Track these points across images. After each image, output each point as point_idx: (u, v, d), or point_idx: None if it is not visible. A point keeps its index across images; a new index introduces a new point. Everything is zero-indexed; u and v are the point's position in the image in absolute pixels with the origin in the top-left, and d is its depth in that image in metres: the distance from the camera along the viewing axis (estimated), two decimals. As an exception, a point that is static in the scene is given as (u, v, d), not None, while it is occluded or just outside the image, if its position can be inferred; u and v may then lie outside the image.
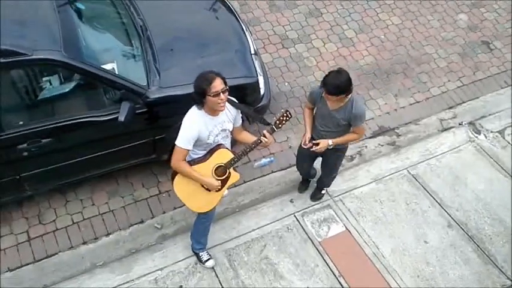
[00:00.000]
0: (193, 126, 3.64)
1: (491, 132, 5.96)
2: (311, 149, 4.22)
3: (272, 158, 5.35)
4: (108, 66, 4.29)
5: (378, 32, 6.73)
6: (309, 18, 6.73)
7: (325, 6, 6.90)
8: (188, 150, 3.71)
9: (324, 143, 4.16)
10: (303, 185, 5.19)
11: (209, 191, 3.96)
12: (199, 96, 3.55)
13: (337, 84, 3.79)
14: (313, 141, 4.22)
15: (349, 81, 3.84)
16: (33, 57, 3.80)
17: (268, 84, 5.20)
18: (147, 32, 4.69)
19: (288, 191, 5.21)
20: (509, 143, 5.85)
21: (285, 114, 3.72)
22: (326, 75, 3.88)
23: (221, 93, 3.49)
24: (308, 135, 4.27)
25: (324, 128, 4.21)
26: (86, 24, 4.56)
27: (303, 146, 4.26)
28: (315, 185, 5.10)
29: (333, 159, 4.56)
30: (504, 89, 6.37)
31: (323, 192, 5.12)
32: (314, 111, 4.29)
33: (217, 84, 3.48)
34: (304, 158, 4.70)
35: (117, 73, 4.27)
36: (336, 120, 4.10)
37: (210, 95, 3.49)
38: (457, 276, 4.77)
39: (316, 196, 5.11)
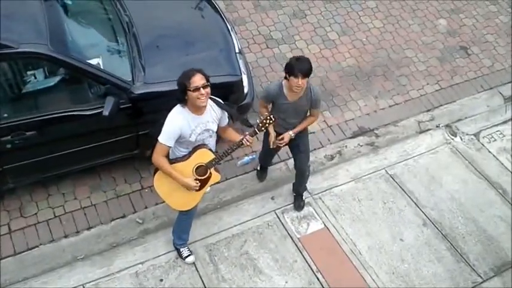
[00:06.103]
0: (176, 123, 3.69)
1: (467, 134, 6.13)
2: (280, 145, 4.50)
3: (254, 156, 5.37)
4: (93, 61, 4.32)
5: (360, 35, 6.86)
6: (293, 20, 6.83)
7: (309, 8, 7.01)
8: (169, 146, 3.76)
9: (287, 136, 4.45)
10: (263, 173, 5.32)
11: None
12: (181, 93, 3.62)
13: (309, 66, 4.08)
14: (277, 138, 4.47)
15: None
16: (20, 50, 3.83)
17: (252, 83, 5.28)
18: (133, 28, 4.73)
19: (269, 188, 5.30)
20: (483, 145, 6.04)
21: (268, 118, 3.81)
22: (292, 65, 4.06)
23: (201, 88, 3.56)
24: (274, 134, 4.46)
25: (284, 120, 4.42)
26: (73, 19, 4.59)
27: (271, 147, 4.51)
28: (294, 194, 5.16)
29: (304, 140, 4.71)
30: (480, 93, 6.55)
31: (304, 198, 5.18)
32: (269, 108, 4.46)
33: (197, 79, 3.55)
34: (271, 152, 5.01)
35: (102, 68, 4.31)
36: (297, 109, 4.37)
37: (190, 90, 3.56)
38: (431, 274, 4.91)
39: (300, 205, 5.14)
